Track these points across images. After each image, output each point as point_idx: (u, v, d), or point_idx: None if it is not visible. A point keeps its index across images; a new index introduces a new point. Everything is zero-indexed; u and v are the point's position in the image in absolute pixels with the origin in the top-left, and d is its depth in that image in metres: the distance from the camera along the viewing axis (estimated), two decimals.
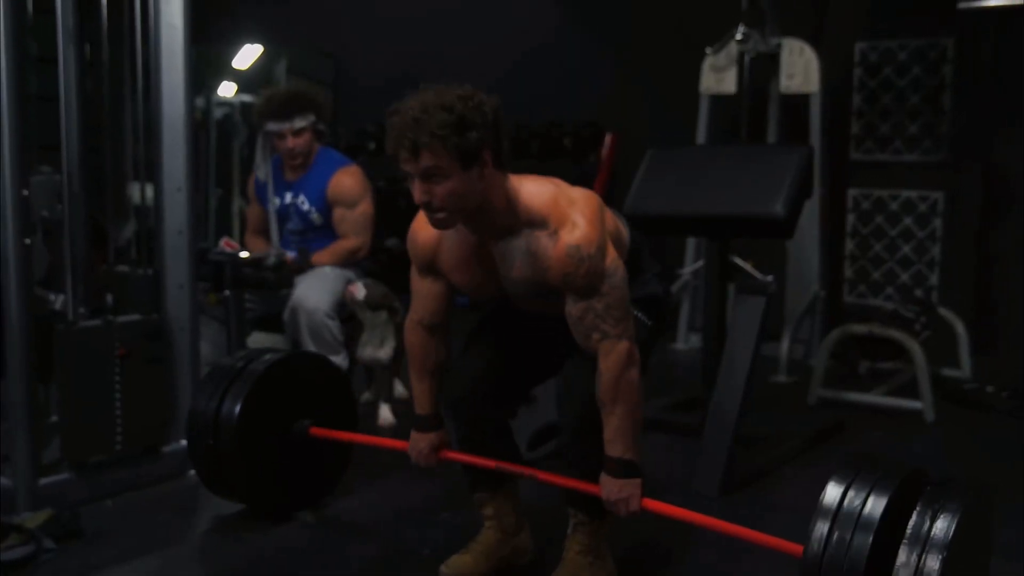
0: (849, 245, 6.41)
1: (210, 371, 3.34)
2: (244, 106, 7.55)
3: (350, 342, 4.32)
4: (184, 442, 3.61)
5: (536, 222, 2.45)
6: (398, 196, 7.15)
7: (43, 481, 3.28)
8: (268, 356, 3.30)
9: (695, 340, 5.97)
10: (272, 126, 4.32)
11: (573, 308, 2.47)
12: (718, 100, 6.09)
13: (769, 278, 4.06)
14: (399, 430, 4.31)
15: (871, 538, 2.07)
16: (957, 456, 4.24)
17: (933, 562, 2.00)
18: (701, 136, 6.11)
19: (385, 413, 4.38)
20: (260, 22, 7.75)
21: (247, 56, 8.01)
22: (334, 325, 4.17)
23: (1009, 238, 5.95)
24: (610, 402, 2.48)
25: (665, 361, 5.91)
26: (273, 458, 3.21)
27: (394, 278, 4.62)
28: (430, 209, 2.40)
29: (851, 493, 2.16)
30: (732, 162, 4.24)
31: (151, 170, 3.67)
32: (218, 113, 7.86)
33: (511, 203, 2.45)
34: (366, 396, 4.63)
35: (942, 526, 2.04)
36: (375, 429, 4.30)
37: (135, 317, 3.54)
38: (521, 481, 2.91)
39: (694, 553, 3.08)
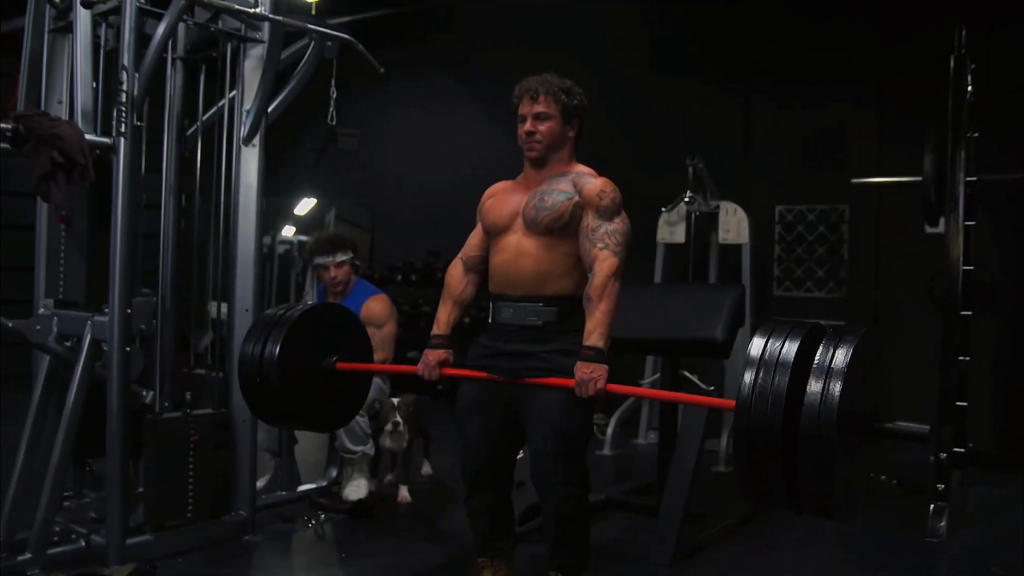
0: None
1: (255, 321, 3.20)
2: (301, 244, 7.63)
3: (376, 434, 4.29)
4: (243, 513, 3.58)
5: (585, 172, 2.73)
6: (419, 318, 7.19)
7: (130, 541, 3.23)
8: (297, 307, 3.15)
9: (652, 437, 5.92)
10: (319, 260, 4.37)
11: (591, 221, 2.61)
12: (670, 248, 6.15)
13: (711, 388, 4.06)
14: (414, 506, 4.26)
15: (788, 376, 2.03)
16: (856, 530, 4.17)
17: (835, 386, 1.96)
18: (657, 276, 6.15)
19: (403, 492, 4.32)
20: (316, 180, 7.88)
21: (305, 205, 8.13)
22: (363, 422, 4.15)
23: (892, 358, 5.94)
24: (597, 298, 2.53)
25: (627, 455, 5.86)
26: (307, 388, 3.02)
27: (415, 382, 4.63)
28: (531, 139, 2.68)
29: (769, 345, 2.13)
30: (681, 297, 4.28)
31: (226, 292, 3.70)
32: (281, 249, 7.94)
33: (570, 165, 2.75)
34: (389, 478, 4.56)
35: (840, 356, 2.00)
36: (395, 505, 4.25)
37: (207, 411, 3.54)
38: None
39: None
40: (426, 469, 4.74)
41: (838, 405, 1.94)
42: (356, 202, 8.28)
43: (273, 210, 7.60)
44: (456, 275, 2.87)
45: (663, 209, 6.07)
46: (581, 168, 2.75)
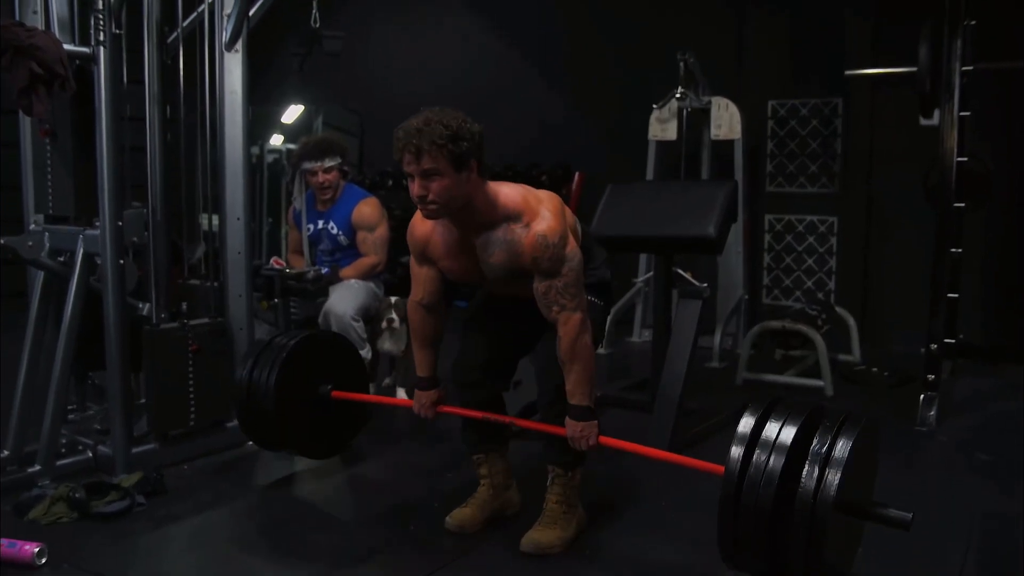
0: (766, 258, 6.43)
1: (249, 348, 3.30)
2: (290, 153, 7.52)
3: (373, 338, 4.33)
4: None
5: (511, 216, 2.47)
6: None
7: (135, 450, 3.30)
8: (293, 335, 3.26)
9: (646, 335, 6.00)
10: (307, 165, 4.32)
11: (539, 285, 2.48)
12: (663, 145, 6.10)
13: (704, 285, 4.09)
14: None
15: (784, 459, 2.05)
16: None
17: (833, 476, 1.99)
18: (650, 174, 6.12)
19: (402, 395, 4.38)
20: (302, 87, 7.74)
21: (292, 113, 8.00)
22: (359, 326, 4.17)
23: (886, 252, 6.00)
24: (569, 361, 2.50)
25: (622, 352, 5.93)
26: (303, 415, 3.15)
27: (408, 287, 4.64)
28: (425, 202, 2.40)
29: (768, 423, 2.13)
30: (674, 194, 4.27)
31: (216, 203, 3.69)
32: (269, 158, 7.83)
33: (490, 202, 2.47)
34: (387, 381, 4.63)
35: (841, 447, 2.03)
36: (394, 408, 4.30)
37: (204, 320, 3.55)
38: (510, 446, 2.94)
39: (647, 503, 3.10)
40: None
41: (835, 496, 1.96)
42: (344, 107, 8.15)
43: (260, 119, 7.47)
44: (419, 319, 2.79)
45: (654, 106, 6.00)
46: (505, 206, 2.47)
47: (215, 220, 3.75)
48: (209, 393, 3.51)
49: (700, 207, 3.93)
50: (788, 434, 2.08)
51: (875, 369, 5.10)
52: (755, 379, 4.92)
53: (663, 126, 6.05)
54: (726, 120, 5.87)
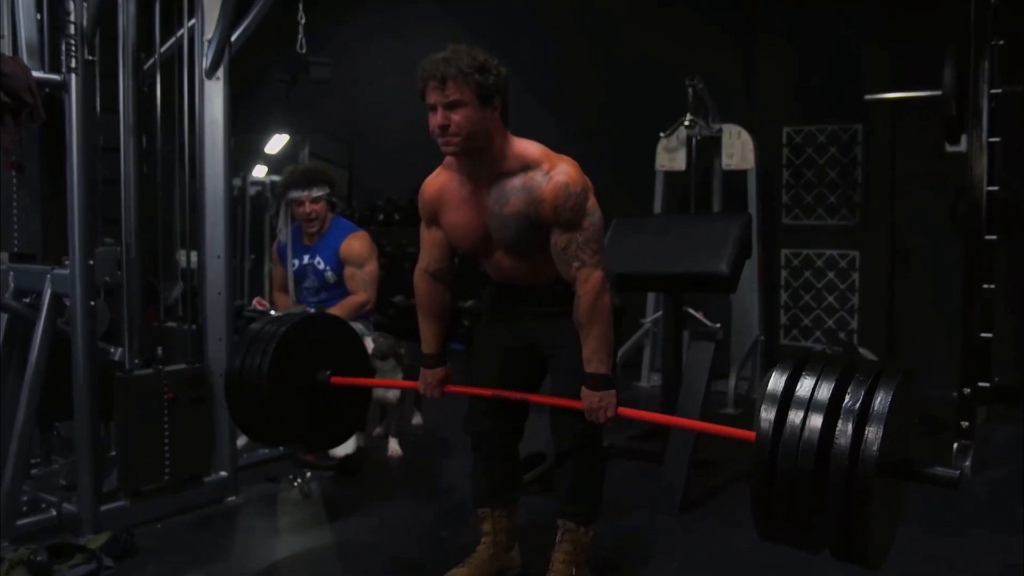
0: (783, 296, 6.41)
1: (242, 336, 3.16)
2: (273, 184, 7.53)
3: None
4: (224, 473, 3.59)
5: (531, 165, 2.48)
6: (404, 260, 7.15)
7: (104, 507, 3.24)
8: (287, 318, 3.13)
9: (656, 379, 5.95)
10: (293, 194, 4.31)
11: (558, 239, 2.48)
12: (671, 176, 6.12)
13: (717, 326, 4.08)
14: (405, 460, 4.29)
15: (823, 418, 1.97)
16: None
17: (875, 434, 1.93)
18: (657, 206, 6.13)
19: (394, 446, 4.34)
20: (288, 116, 7.78)
21: (276, 143, 8.04)
22: None
23: (912, 288, 5.98)
24: (587, 323, 2.48)
25: (629, 397, 5.88)
26: (299, 405, 3.02)
27: (401, 329, 4.60)
28: (446, 133, 2.41)
29: (802, 381, 2.04)
30: (683, 228, 4.26)
31: (195, 240, 3.67)
32: (252, 191, 7.85)
33: (509, 150, 2.49)
34: (378, 431, 4.59)
35: (880, 400, 1.96)
36: (385, 460, 4.27)
37: (181, 366, 3.52)
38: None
39: (657, 566, 3.05)
40: (417, 420, 4.77)
41: (877, 451, 1.91)
42: (332, 137, 8.18)
43: (242, 149, 7.49)
44: (426, 289, 2.78)
45: (661, 134, 6.02)
46: (524, 155, 2.50)
47: (194, 257, 3.73)
48: (185, 445, 3.45)
49: (712, 242, 3.92)
50: (825, 391, 2.01)
51: None
52: None
53: (671, 156, 6.06)
54: (738, 148, 5.89)
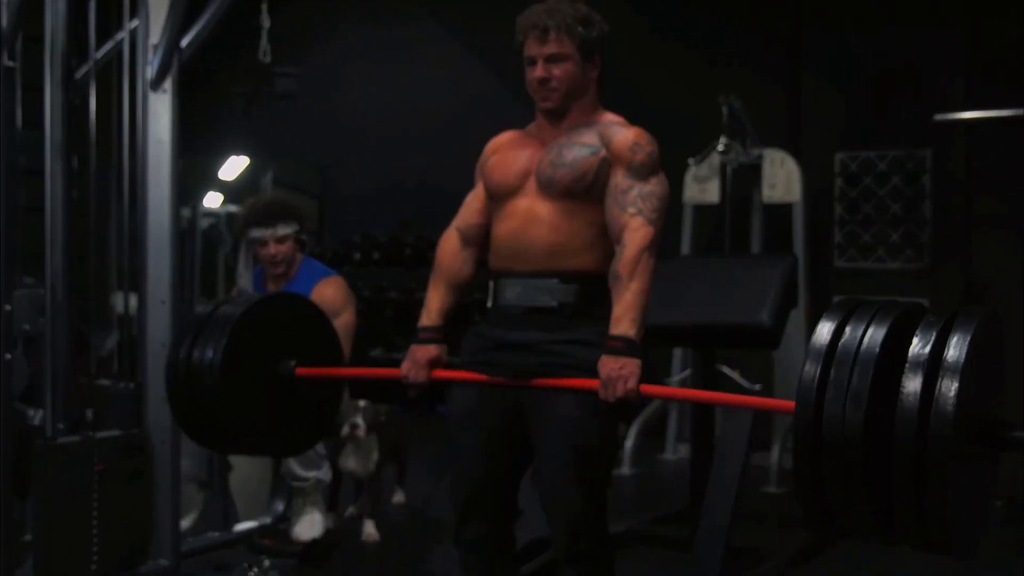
0: None
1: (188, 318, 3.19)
2: (230, 216, 7.57)
3: (333, 454, 4.26)
4: (164, 562, 3.55)
5: (615, 122, 2.70)
6: (384, 306, 7.15)
7: None
8: (243, 299, 3.10)
9: (684, 450, 5.92)
10: (255, 232, 4.31)
11: (622, 180, 2.60)
12: (701, 210, 6.13)
13: (756, 387, 4.06)
14: (384, 546, 4.25)
15: (872, 372, 1.91)
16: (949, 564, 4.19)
17: (948, 385, 1.82)
18: (685, 246, 6.14)
19: (370, 528, 4.30)
20: (248, 135, 7.83)
21: (234, 167, 8.09)
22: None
23: None
24: (627, 276, 2.52)
25: (653, 472, 5.86)
26: (257, 402, 2.93)
27: (380, 389, 4.59)
28: (545, 86, 2.64)
29: (846, 330, 2.00)
30: (717, 272, 4.27)
31: (135, 281, 3.66)
32: (204, 223, 7.87)
33: (598, 108, 2.73)
34: (350, 511, 4.55)
35: (955, 344, 1.86)
36: (359, 545, 4.24)
37: (115, 432, 3.49)
38: None
39: None
40: (399, 497, 4.73)
41: (954, 405, 1.82)
42: (300, 162, 8.23)
43: (193, 174, 7.54)
44: (450, 249, 2.82)
45: (690, 161, 6.05)
46: (610, 116, 2.73)
47: (133, 302, 3.72)
48: (119, 527, 3.42)
49: (750, 288, 3.92)
50: (877, 336, 1.95)
51: None
52: None
53: (702, 186, 6.09)
54: (782, 178, 5.91)
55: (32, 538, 3.37)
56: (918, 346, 1.89)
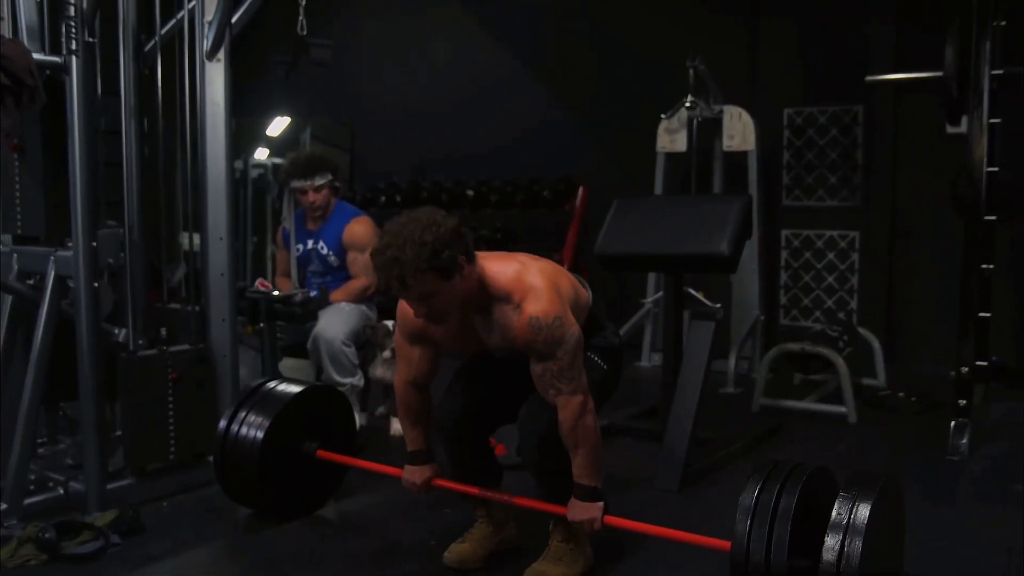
0: (783, 277, 6.42)
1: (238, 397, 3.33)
2: (275, 167, 7.55)
3: (365, 364, 4.31)
4: None
5: (502, 297, 2.47)
6: None
7: (110, 486, 3.27)
8: (287, 387, 3.29)
9: (656, 359, 5.97)
10: (296, 184, 4.33)
11: (535, 368, 2.49)
12: (672, 157, 6.10)
13: (717, 306, 4.08)
14: None
15: (788, 528, 2.04)
16: (875, 451, 4.26)
17: (855, 545, 1.95)
18: (658, 188, 6.12)
19: (396, 425, 4.35)
20: (289, 98, 7.77)
21: (278, 125, 8.04)
22: (350, 352, 4.16)
23: (912, 268, 6.00)
24: (572, 445, 2.51)
25: (631, 377, 5.88)
26: (285, 474, 3.18)
27: None
28: (431, 319, 2.45)
29: (765, 493, 2.13)
30: (684, 209, 4.26)
31: (198, 222, 3.68)
32: (254, 173, 7.87)
33: (483, 286, 2.48)
34: (380, 409, 4.61)
35: (861, 512, 2.00)
36: (387, 438, 4.29)
37: (185, 347, 3.54)
38: (510, 475, 2.92)
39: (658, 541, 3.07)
40: None
41: (859, 566, 1.94)
42: (333, 119, 8.18)
43: (244, 132, 7.51)
44: (411, 399, 2.81)
45: (662, 116, 6.01)
46: (496, 287, 2.48)
47: (196, 239, 3.74)
48: (190, 424, 3.48)
49: (712, 223, 3.92)
50: (789, 501, 2.08)
51: (901, 394, 5.08)
52: (773, 405, 4.89)
53: (672, 137, 6.05)
54: (739, 130, 5.88)
55: (120, 433, 3.44)
56: (835, 513, 2.04)
